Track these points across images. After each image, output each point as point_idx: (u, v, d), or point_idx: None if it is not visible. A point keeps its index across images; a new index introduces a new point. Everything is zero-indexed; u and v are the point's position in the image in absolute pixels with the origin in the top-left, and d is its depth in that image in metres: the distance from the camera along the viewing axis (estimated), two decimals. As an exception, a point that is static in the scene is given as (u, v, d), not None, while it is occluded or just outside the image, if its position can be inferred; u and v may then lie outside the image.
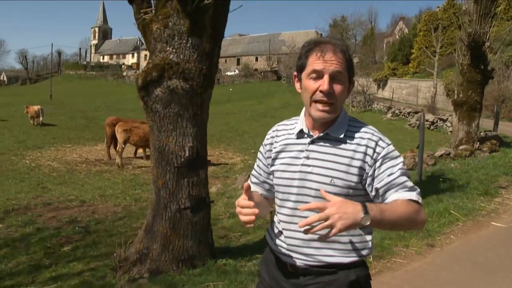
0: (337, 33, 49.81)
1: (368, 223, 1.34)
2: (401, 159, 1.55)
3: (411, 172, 9.51)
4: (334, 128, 1.57)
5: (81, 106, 41.81)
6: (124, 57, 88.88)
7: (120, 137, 11.34)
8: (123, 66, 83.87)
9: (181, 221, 3.83)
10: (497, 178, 8.17)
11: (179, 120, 3.69)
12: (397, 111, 25.03)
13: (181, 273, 3.84)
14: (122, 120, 13.09)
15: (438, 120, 19.71)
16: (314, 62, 1.51)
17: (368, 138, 1.54)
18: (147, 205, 7.18)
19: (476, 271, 4.06)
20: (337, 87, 1.50)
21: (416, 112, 22.43)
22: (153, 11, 4.02)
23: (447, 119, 19.40)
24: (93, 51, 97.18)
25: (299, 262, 1.56)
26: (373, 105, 29.33)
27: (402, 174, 1.51)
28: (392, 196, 1.49)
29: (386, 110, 26.77)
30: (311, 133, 1.59)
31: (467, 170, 9.05)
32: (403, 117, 23.76)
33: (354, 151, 1.53)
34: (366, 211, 1.34)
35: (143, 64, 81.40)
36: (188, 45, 3.66)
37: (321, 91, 1.49)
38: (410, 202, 1.47)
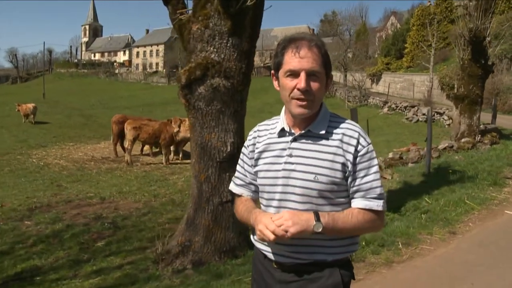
0: (329, 29, 50.11)
1: (320, 230, 1.43)
2: (376, 161, 1.58)
3: (417, 165, 9.80)
4: (315, 124, 1.57)
5: (76, 104, 41.64)
6: (115, 55, 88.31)
7: (129, 134, 11.46)
8: (115, 64, 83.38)
9: (223, 214, 4.02)
10: (502, 169, 8.43)
11: (221, 116, 3.87)
12: (393, 106, 25.35)
13: (224, 263, 4.03)
14: (128, 118, 13.21)
15: (435, 114, 20.02)
16: (290, 60, 1.51)
17: (350, 136, 1.55)
18: (167, 201, 7.38)
19: (501, 253, 4.31)
20: (314, 84, 1.51)
21: (413, 106, 22.75)
22: (188, 12, 4.19)
23: (444, 112, 19.73)
24: (83, 49, 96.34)
25: (284, 260, 1.57)
26: (368, 100, 29.64)
27: (375, 179, 1.55)
28: (355, 203, 1.55)
29: (382, 105, 27.07)
30: (292, 131, 1.60)
31: (472, 162, 9.31)
32: (400, 111, 24.07)
33: (337, 147, 1.54)
34: (318, 219, 1.43)
35: (135, 61, 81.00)
36: (228, 44, 3.84)
37: (298, 89, 1.50)
38: (367, 212, 1.53)
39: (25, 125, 23.10)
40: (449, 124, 19.22)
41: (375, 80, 38.61)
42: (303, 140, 1.57)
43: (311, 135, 1.57)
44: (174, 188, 8.45)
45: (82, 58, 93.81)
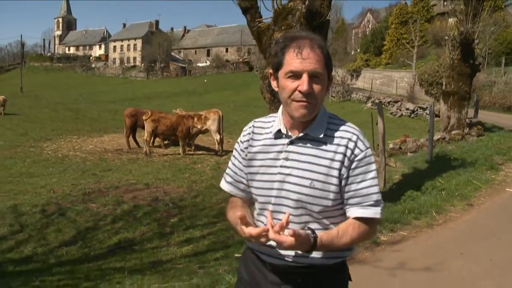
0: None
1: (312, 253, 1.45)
2: (374, 166, 1.54)
3: (416, 155, 10.96)
4: (313, 127, 1.52)
5: (57, 98, 41.33)
6: (91, 49, 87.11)
7: (148, 126, 12.16)
8: (91, 58, 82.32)
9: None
10: (492, 157, 9.66)
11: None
12: (376, 101, 26.63)
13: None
14: (139, 112, 13.93)
15: (418, 109, 21.44)
16: (292, 61, 1.45)
17: (348, 139, 1.51)
18: (209, 186, 8.22)
19: (512, 220, 5.45)
20: (317, 87, 1.46)
21: (396, 101, 24.12)
22: (266, 20, 5.06)
23: (427, 107, 21.09)
24: (57, 42, 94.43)
25: (279, 262, 1.54)
26: (352, 95, 30.97)
27: (372, 185, 1.51)
28: (351, 211, 1.51)
29: (365, 100, 28.38)
30: (289, 133, 1.54)
31: (465, 151, 10.53)
32: (384, 106, 25.40)
33: (335, 152, 1.49)
34: (314, 246, 1.41)
35: (112, 55, 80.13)
36: (307, 51, 4.74)
37: (300, 92, 1.44)
38: (362, 224, 1.49)
39: (16, 119, 23.17)
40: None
41: (354, 76, 40.10)
42: (300, 144, 1.52)
43: (308, 139, 1.52)
44: (206, 175, 9.28)
45: (56, 51, 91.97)
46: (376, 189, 1.51)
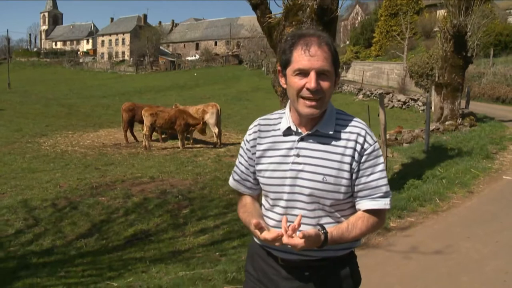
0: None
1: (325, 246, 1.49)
2: (382, 159, 1.59)
3: (412, 145, 11.23)
4: (322, 124, 1.56)
5: (47, 94, 40.98)
6: (78, 43, 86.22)
7: (147, 120, 12.25)
8: (79, 53, 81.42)
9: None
10: (486, 147, 9.98)
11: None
12: (368, 93, 26.99)
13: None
14: (137, 106, 14.03)
15: (410, 100, 21.77)
16: (299, 59, 1.48)
17: (357, 133, 1.55)
18: (213, 178, 8.38)
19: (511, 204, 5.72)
20: (324, 84, 1.49)
21: (388, 93, 24.42)
22: (276, 16, 5.21)
23: (418, 99, 21.46)
24: (43, 37, 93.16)
25: (291, 257, 1.57)
26: (343, 87, 31.24)
27: (381, 177, 1.56)
28: (362, 204, 1.57)
29: (356, 92, 28.67)
30: (299, 130, 1.57)
31: (460, 141, 10.85)
32: (375, 98, 25.72)
33: (345, 147, 1.54)
34: (325, 241, 1.47)
35: (100, 50, 79.37)
36: (317, 46, 4.91)
37: (308, 89, 1.47)
38: (371, 217, 1.56)
39: (8, 115, 22.96)
40: (423, 110, 21.01)
41: (344, 68, 40.37)
42: (311, 140, 1.56)
43: (319, 135, 1.56)
44: (209, 167, 9.43)
45: (42, 46, 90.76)
46: (385, 181, 1.57)
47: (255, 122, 1.70)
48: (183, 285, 3.54)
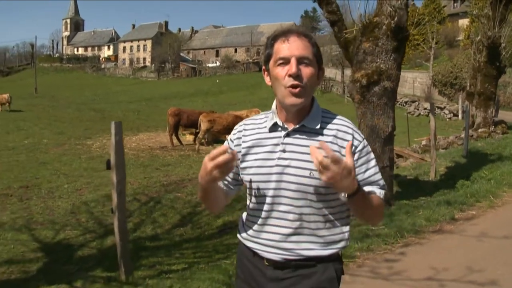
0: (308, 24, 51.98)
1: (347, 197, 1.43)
2: (373, 154, 1.61)
3: (449, 151, 11.82)
4: (309, 119, 1.56)
5: (75, 99, 42.20)
6: (99, 49, 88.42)
7: (204, 126, 13.10)
8: (101, 58, 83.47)
9: (384, 175, 5.80)
10: (523, 152, 10.51)
11: (385, 107, 5.67)
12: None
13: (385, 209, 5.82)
14: (182, 111, 14.91)
15: (436, 108, 22.29)
16: (280, 49, 1.50)
17: (344, 131, 1.56)
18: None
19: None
20: (305, 70, 1.50)
21: (413, 101, 25.00)
22: (350, 32, 5.95)
23: (445, 107, 21.98)
24: (65, 43, 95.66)
25: (276, 257, 1.57)
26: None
27: (376, 172, 1.58)
28: (368, 188, 1.55)
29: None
30: (285, 126, 1.56)
31: (495, 147, 11.41)
32: (400, 106, 26.29)
33: (332, 142, 1.52)
34: (357, 191, 1.41)
35: (121, 56, 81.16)
36: (391, 58, 5.63)
37: (289, 75, 1.48)
38: (380, 198, 1.56)
39: (44, 118, 23.79)
40: (450, 118, 21.55)
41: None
42: (297, 135, 1.55)
43: (305, 130, 1.55)
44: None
45: (64, 52, 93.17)
46: (379, 175, 1.59)
47: (241, 123, 1.71)
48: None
